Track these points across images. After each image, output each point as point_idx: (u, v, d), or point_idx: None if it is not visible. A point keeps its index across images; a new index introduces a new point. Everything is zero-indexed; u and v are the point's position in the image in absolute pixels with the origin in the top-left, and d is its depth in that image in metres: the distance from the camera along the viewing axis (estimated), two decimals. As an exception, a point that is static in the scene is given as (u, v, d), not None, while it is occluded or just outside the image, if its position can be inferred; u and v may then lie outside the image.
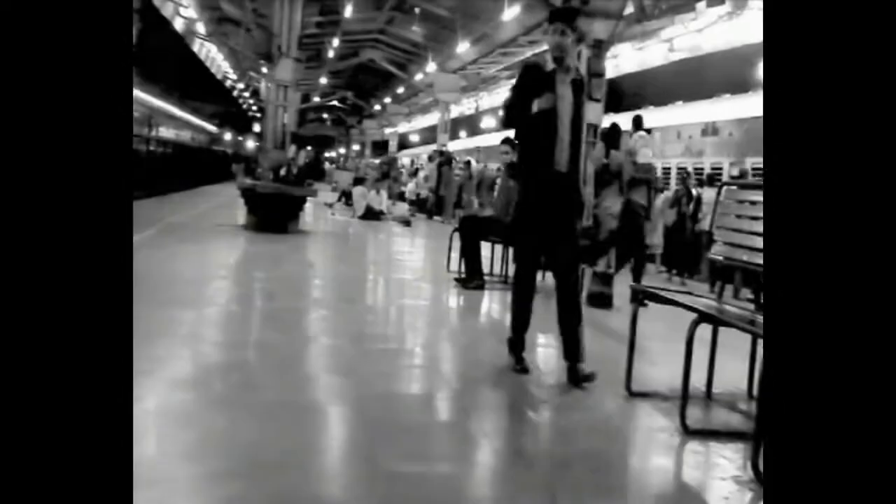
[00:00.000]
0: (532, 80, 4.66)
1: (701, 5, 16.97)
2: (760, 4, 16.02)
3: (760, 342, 3.79)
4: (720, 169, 13.73)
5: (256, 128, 52.15)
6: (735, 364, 4.51)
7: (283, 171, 13.05)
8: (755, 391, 3.83)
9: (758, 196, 4.60)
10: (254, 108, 53.75)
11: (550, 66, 4.66)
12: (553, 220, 4.66)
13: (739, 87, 17.48)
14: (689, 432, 3.78)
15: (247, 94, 50.00)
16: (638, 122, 9.37)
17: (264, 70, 16.55)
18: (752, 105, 14.70)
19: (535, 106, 4.57)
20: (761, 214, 4.35)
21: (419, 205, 22.55)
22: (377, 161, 29.96)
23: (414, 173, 28.34)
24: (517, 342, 4.80)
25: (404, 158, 42.47)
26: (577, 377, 4.53)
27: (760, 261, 4.17)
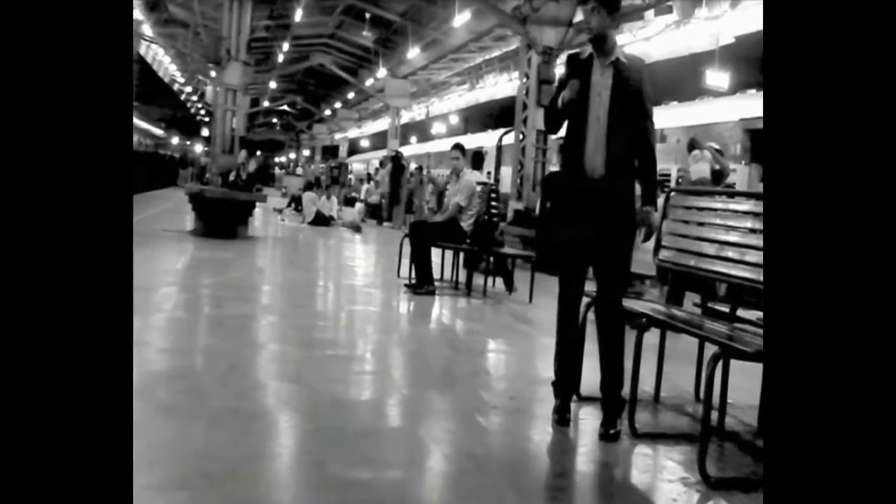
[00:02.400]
0: (567, 72, 3.96)
1: (649, 14, 17.23)
2: (707, 14, 16.33)
3: (707, 346, 3.84)
4: (668, 175, 13.92)
5: (205, 132, 51.56)
6: (682, 368, 4.57)
7: (232, 176, 12.92)
8: (702, 394, 3.89)
9: (704, 202, 4.68)
10: (202, 111, 53.12)
11: (588, 52, 3.94)
12: (584, 237, 3.84)
13: (686, 95, 17.76)
14: (637, 435, 3.82)
15: (195, 98, 49.44)
16: (692, 144, 9.50)
17: (213, 73, 16.38)
18: (699, 112, 14.95)
19: (560, 100, 3.92)
20: (707, 220, 4.43)
21: (370, 210, 22.50)
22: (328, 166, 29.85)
23: (368, 179, 28.31)
24: (559, 387, 4.05)
25: (355, 164, 42.34)
26: (608, 430, 3.80)
27: (707, 266, 4.24)
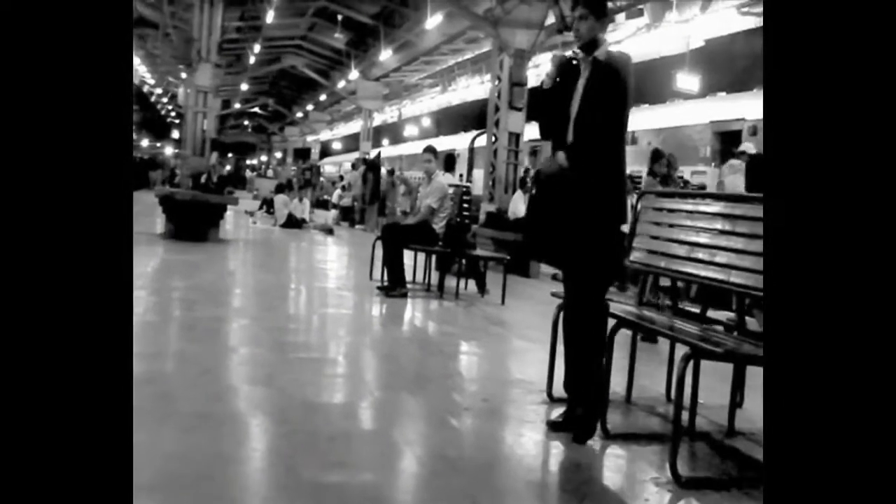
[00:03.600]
0: (556, 73, 3.93)
1: (620, 17, 17.35)
2: (677, 17, 16.48)
3: (679, 347, 3.88)
4: (640, 177, 14.02)
5: (175, 134, 51.12)
6: (653, 369, 4.60)
7: (203, 179, 12.83)
8: (673, 394, 3.92)
9: (674, 204, 4.71)
10: (172, 113, 52.67)
11: (575, 55, 3.94)
12: (548, 233, 3.87)
13: (657, 97, 17.92)
14: (609, 436, 3.84)
15: (165, 100, 49.01)
16: (730, 152, 9.42)
17: (183, 75, 16.26)
18: (669, 115, 15.07)
19: (541, 84, 3.95)
20: (677, 222, 4.47)
21: (343, 213, 22.44)
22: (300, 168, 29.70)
23: (340, 180, 28.23)
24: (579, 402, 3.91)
25: (327, 166, 42.20)
26: (579, 430, 3.79)
27: (677, 267, 4.27)
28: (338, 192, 25.06)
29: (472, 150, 20.36)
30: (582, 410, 3.83)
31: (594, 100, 3.78)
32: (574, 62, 3.92)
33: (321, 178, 34.08)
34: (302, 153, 49.18)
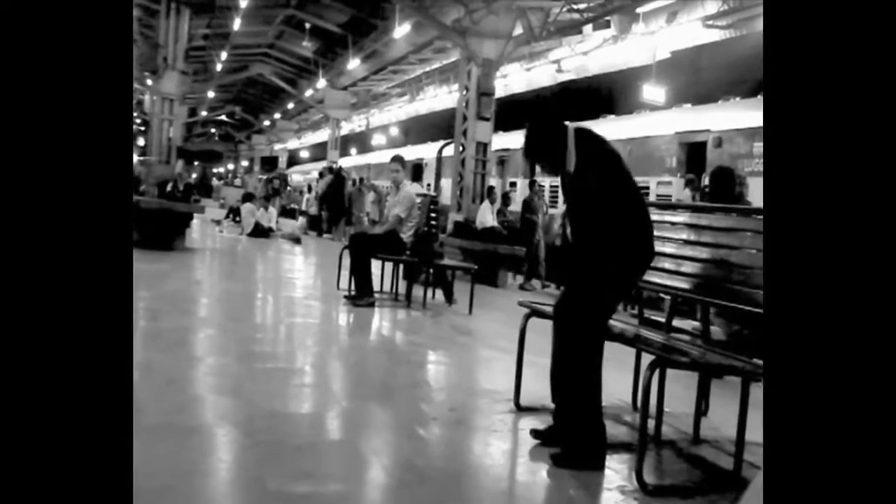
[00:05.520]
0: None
1: (587, 28, 17.51)
2: (644, 29, 16.67)
3: (644, 356, 3.90)
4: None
5: (141, 141, 50.61)
6: (620, 377, 4.63)
7: (169, 187, 12.72)
8: (639, 403, 3.95)
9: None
10: (137, 121, 52.14)
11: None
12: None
13: (624, 108, 18.08)
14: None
15: (130, 107, 48.50)
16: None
17: (149, 82, 16.12)
18: (635, 126, 15.21)
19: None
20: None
21: (310, 222, 22.34)
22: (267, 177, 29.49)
23: (309, 189, 28.12)
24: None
25: (294, 175, 42.00)
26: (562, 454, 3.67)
27: (646, 277, 4.30)
28: (306, 197, 24.99)
29: (439, 159, 20.39)
30: (567, 430, 3.76)
31: (578, 208, 3.87)
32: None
33: (288, 188, 33.90)
34: (269, 161, 48.89)
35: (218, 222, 20.20)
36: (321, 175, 24.26)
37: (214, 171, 61.07)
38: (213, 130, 61.45)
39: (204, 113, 46.78)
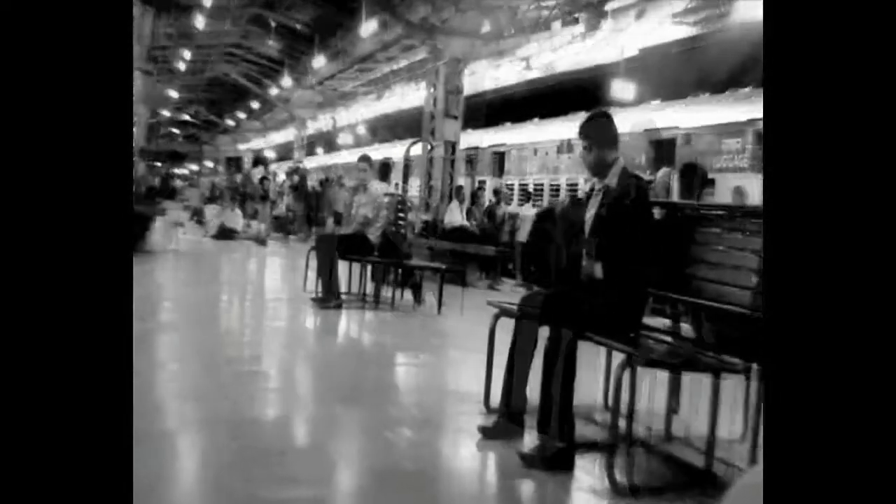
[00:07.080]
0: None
1: (556, 25, 17.52)
2: (612, 26, 16.72)
3: (615, 355, 3.88)
4: (576, 185, 14.16)
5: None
6: (590, 376, 4.61)
7: (130, 189, 12.56)
8: (610, 402, 3.92)
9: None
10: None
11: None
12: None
13: (593, 105, 18.12)
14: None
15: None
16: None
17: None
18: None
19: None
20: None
21: (277, 223, 22.16)
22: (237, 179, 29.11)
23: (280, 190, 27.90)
24: None
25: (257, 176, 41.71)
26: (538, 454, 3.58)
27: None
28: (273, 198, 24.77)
29: (407, 158, 20.35)
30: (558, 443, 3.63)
31: (609, 227, 3.85)
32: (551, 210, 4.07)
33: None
34: (234, 162, 48.56)
35: (181, 224, 19.97)
36: (288, 175, 24.08)
37: (178, 172, 60.53)
38: (176, 131, 60.85)
39: (167, 113, 46.31)
